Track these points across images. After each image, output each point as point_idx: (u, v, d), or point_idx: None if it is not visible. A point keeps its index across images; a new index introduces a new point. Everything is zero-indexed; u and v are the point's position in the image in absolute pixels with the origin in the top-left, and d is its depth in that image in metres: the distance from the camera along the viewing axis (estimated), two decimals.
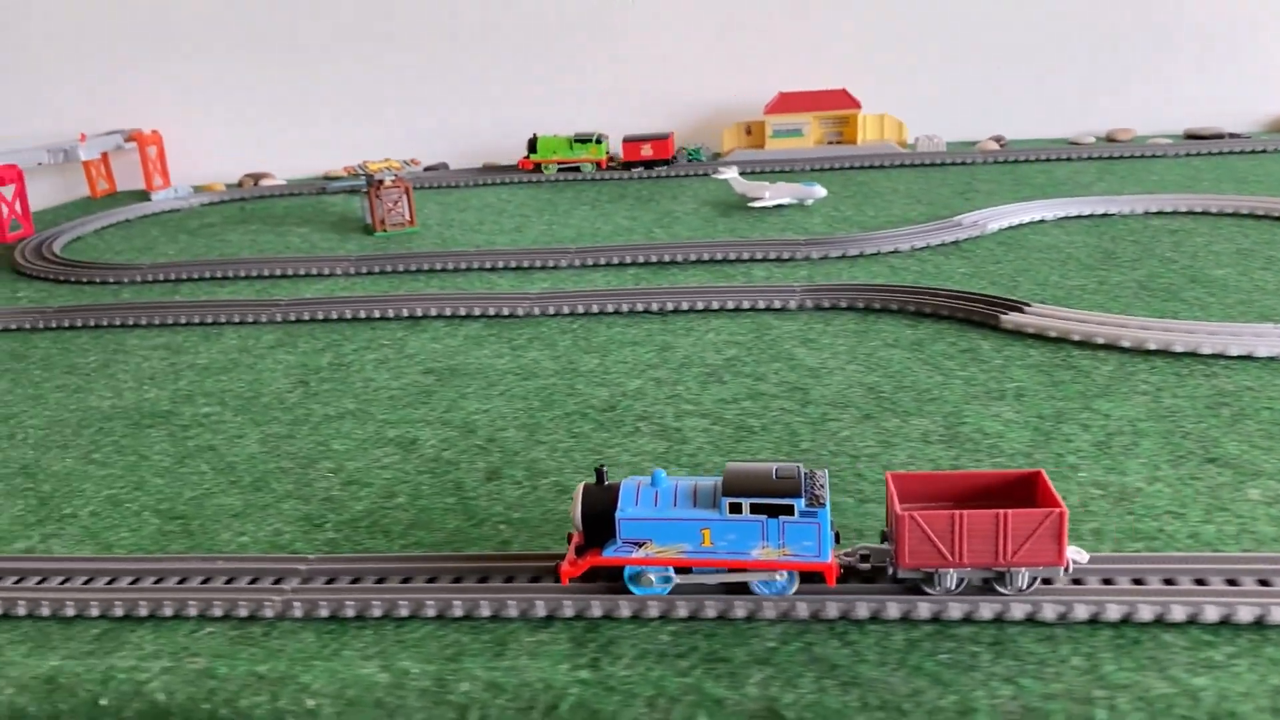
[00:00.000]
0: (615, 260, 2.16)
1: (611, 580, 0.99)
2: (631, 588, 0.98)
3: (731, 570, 0.96)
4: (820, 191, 2.52)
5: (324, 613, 1.00)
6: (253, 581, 1.06)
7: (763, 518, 0.93)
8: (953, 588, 0.94)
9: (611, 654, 0.91)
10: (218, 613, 1.01)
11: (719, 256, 2.13)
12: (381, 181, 2.55)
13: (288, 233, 2.69)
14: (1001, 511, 0.90)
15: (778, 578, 0.96)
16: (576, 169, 3.09)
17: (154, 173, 3.52)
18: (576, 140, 3.12)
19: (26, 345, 1.93)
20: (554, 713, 0.85)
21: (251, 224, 2.83)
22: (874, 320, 1.72)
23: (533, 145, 3.16)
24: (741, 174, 2.68)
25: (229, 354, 1.79)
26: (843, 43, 3.24)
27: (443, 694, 0.88)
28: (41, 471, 1.38)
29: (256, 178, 3.43)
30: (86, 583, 1.08)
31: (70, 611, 1.03)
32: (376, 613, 0.99)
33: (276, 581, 1.05)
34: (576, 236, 2.42)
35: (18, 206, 2.90)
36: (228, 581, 1.06)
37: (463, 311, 1.89)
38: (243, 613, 1.01)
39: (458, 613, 0.98)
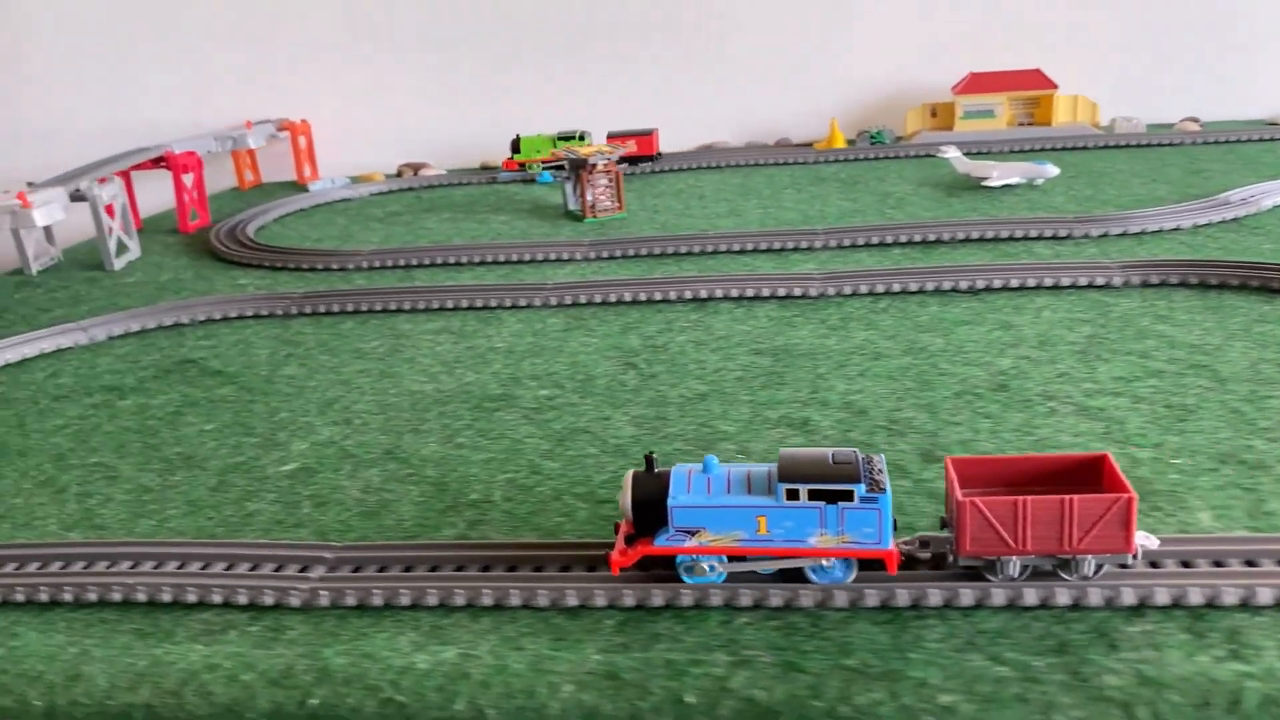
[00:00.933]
0: (875, 240, 2.07)
1: (665, 568, 0.95)
2: (684, 577, 0.94)
3: (788, 558, 0.92)
4: (1052, 170, 2.42)
5: (873, 603, 0.91)
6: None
7: (821, 504, 0.90)
8: (1015, 575, 0.90)
9: (1248, 645, 0.82)
10: (745, 602, 0.93)
11: (989, 235, 2.03)
12: (593, 166, 2.47)
13: (487, 220, 2.60)
14: (1067, 497, 0.86)
15: (832, 565, 0.92)
16: (561, 167, 2.71)
17: (304, 163, 3.46)
18: (560, 138, 2.98)
19: (289, 331, 1.85)
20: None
21: (441, 212, 2.75)
22: (1218, 297, 1.62)
23: (516, 145, 3.05)
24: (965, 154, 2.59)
25: (523, 337, 1.71)
26: (1028, 22, 3.14)
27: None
28: (413, 457, 1.29)
29: (415, 168, 3.35)
30: (564, 569, 1.00)
31: (573, 601, 0.95)
32: (935, 602, 0.90)
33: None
34: (803, 219, 2.32)
35: (196, 195, 2.84)
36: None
37: (750, 293, 1.80)
38: (775, 602, 0.92)
39: (1032, 601, 0.89)
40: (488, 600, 0.96)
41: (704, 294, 1.82)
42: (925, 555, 0.94)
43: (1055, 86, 2.95)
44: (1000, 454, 1.17)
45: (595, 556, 1.00)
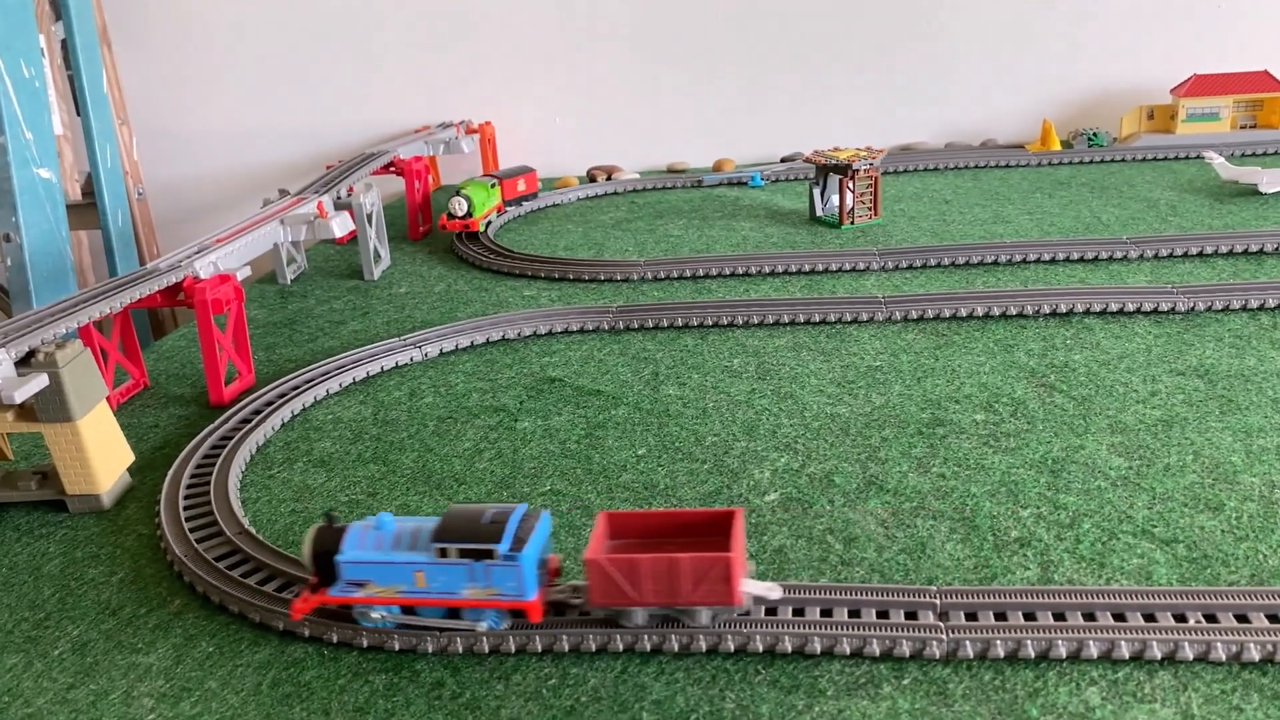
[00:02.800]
0: (1194, 250, 2.01)
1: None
2: (361, 621, 1.05)
3: (444, 607, 1.03)
4: None
5: None
6: None
7: (469, 561, 1.00)
8: (642, 622, 1.01)
9: None
10: None
11: (1266, 247, 1.98)
12: (856, 171, 2.42)
13: (730, 227, 2.54)
14: (675, 556, 0.96)
15: (484, 613, 1.03)
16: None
17: (490, 166, 3.41)
18: (490, 179, 2.71)
19: (631, 346, 1.79)
20: None
21: (672, 218, 2.69)
22: None
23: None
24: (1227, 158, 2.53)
25: (897, 355, 1.65)
26: (1249, 22, 3.07)
27: None
28: (899, 485, 1.25)
29: (608, 171, 3.30)
30: (1148, 619, 0.96)
31: (1255, 655, 0.91)
32: None
33: None
34: (1085, 227, 2.26)
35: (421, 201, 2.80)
36: None
37: (1114, 307, 1.75)
38: None
39: None
40: (1156, 652, 0.92)
41: (1064, 308, 1.77)
42: (577, 602, 1.04)
43: None
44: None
45: (1235, 605, 0.96)
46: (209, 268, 1.78)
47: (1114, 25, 3.13)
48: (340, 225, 2.06)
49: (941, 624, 0.97)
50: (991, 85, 3.23)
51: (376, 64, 3.43)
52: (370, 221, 2.36)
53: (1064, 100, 3.22)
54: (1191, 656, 0.91)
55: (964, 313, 1.80)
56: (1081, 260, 2.05)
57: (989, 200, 2.57)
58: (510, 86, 3.44)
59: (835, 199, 2.52)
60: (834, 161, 2.43)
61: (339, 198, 2.32)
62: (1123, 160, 2.88)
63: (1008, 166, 2.92)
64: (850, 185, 2.43)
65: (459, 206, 2.51)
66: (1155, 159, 2.85)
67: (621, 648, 1.00)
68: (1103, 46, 3.15)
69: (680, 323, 1.88)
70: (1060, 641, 0.93)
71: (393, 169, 2.71)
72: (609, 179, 3.24)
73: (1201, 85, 2.93)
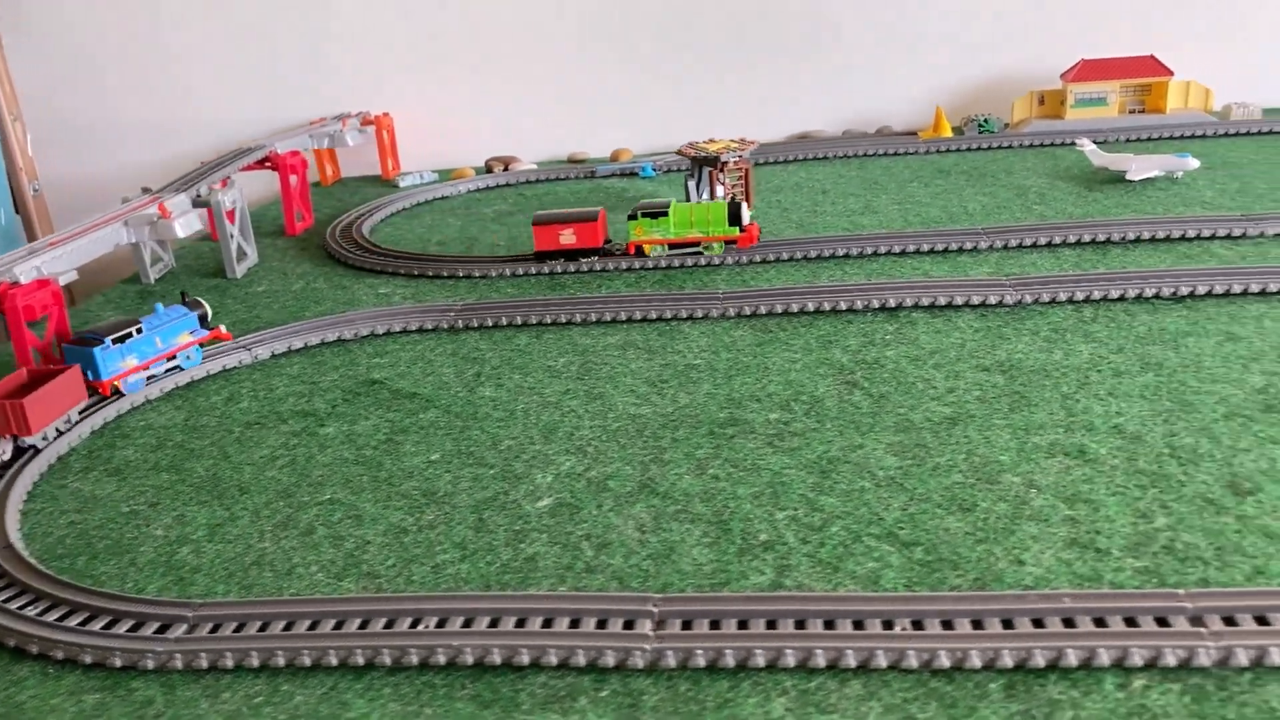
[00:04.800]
0: (1042, 241, 2.02)
1: None
2: None
3: None
4: (1193, 163, 2.36)
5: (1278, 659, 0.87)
6: (1130, 623, 0.93)
7: None
8: None
9: None
10: (1137, 661, 0.88)
11: (1160, 235, 1.98)
12: (725, 163, 2.41)
13: (612, 220, 2.53)
14: None
15: None
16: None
17: (387, 157, 3.38)
18: None
19: (464, 346, 1.79)
20: None
21: (554, 210, 2.68)
22: None
23: None
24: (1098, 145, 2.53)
25: (717, 353, 1.65)
26: (1135, 7, 3.07)
27: None
28: (673, 490, 1.24)
29: (505, 162, 3.28)
30: (916, 626, 0.95)
31: (945, 663, 0.91)
32: None
33: (1161, 622, 0.92)
34: (950, 217, 2.26)
35: (299, 196, 2.77)
36: (1098, 623, 0.93)
37: (942, 300, 1.76)
38: (1170, 661, 0.88)
39: None
40: (851, 660, 0.92)
41: (892, 303, 1.77)
42: None
43: (1170, 73, 2.88)
44: None
45: (945, 611, 0.96)
46: (31, 272, 1.75)
47: (1008, 10, 3.13)
48: (184, 225, 2.03)
49: (650, 634, 0.97)
50: (888, 73, 3.22)
51: (279, 55, 3.39)
52: (233, 219, 2.34)
53: (959, 86, 3.21)
54: (885, 665, 0.92)
55: (795, 308, 1.79)
56: (932, 252, 2.05)
57: (865, 190, 2.56)
58: (411, 77, 3.40)
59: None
60: (704, 154, 2.43)
61: (198, 195, 2.29)
62: (1009, 146, 2.88)
63: (895, 154, 2.92)
64: (720, 177, 2.43)
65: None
66: (1041, 145, 2.85)
67: (335, 662, 0.99)
68: (997, 32, 3.14)
69: (519, 321, 1.87)
70: (759, 650, 0.93)
71: (268, 164, 2.68)
72: (506, 170, 3.23)
73: (1089, 70, 2.94)
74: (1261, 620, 0.91)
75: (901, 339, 1.64)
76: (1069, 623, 0.93)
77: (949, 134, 3.01)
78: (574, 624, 1.00)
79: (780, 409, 1.44)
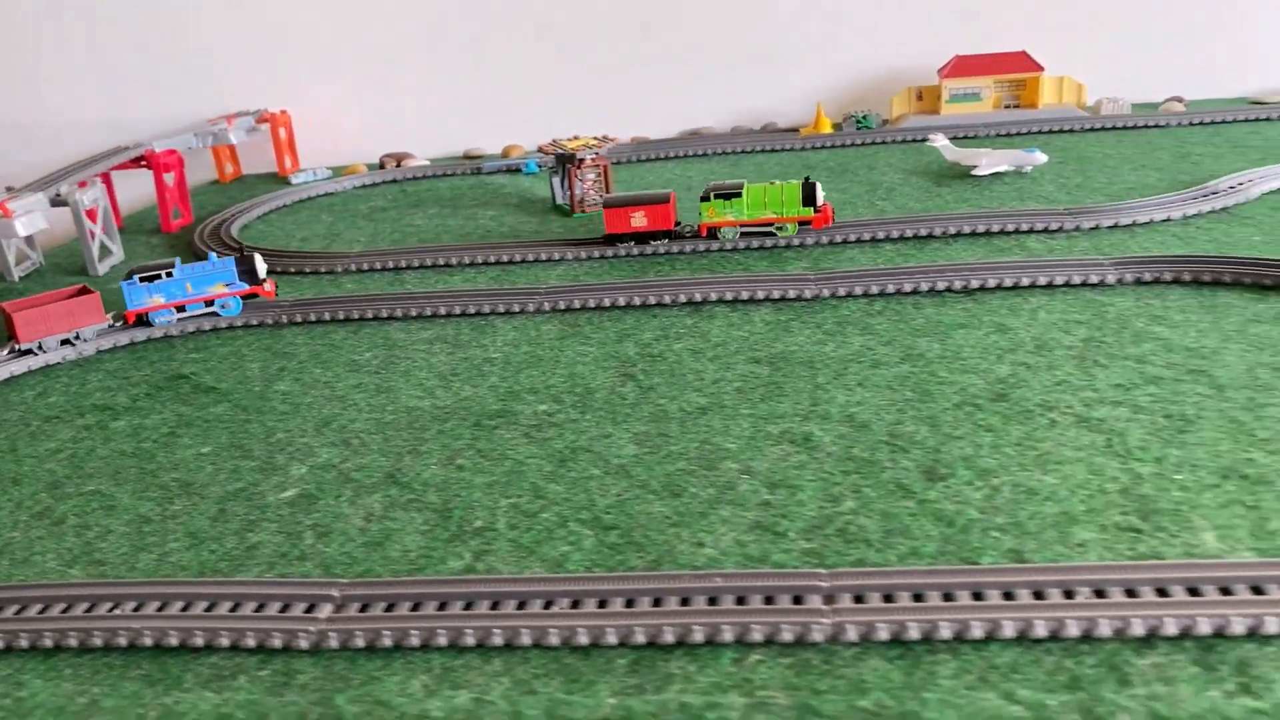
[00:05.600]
0: (866, 236, 2.06)
1: None
2: None
3: None
4: (1041, 158, 2.41)
5: (883, 635, 0.91)
6: (768, 601, 0.97)
7: None
8: None
9: (1258, 678, 0.83)
10: (757, 637, 0.93)
11: (980, 229, 2.03)
12: (581, 161, 2.44)
13: (474, 215, 2.58)
14: None
15: None
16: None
17: (284, 154, 3.42)
18: None
19: (280, 342, 1.83)
20: None
21: (427, 207, 2.73)
22: (1211, 294, 1.63)
23: None
24: (952, 140, 2.58)
25: (519, 346, 1.70)
26: (1013, 3, 3.12)
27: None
28: (415, 481, 1.29)
29: (398, 158, 3.31)
30: (575, 605, 1.00)
31: (584, 640, 0.95)
32: (945, 634, 0.90)
33: (797, 600, 0.97)
34: None
35: (177, 194, 2.80)
36: (739, 601, 0.98)
37: (744, 295, 1.80)
38: (787, 637, 0.93)
39: (1041, 633, 0.89)
40: (498, 640, 0.96)
41: (699, 297, 1.81)
42: None
43: (1041, 69, 2.93)
44: (1002, 470, 1.17)
45: (607, 591, 1.01)
46: None
47: (891, 6, 3.17)
48: (26, 224, 2.07)
49: (322, 617, 1.01)
50: (776, 70, 3.27)
51: (183, 52, 3.42)
52: (95, 218, 2.37)
53: (845, 83, 3.26)
54: (529, 643, 0.96)
55: (607, 303, 1.84)
56: (760, 249, 2.10)
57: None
58: (312, 75, 3.44)
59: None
60: (563, 151, 2.46)
61: (57, 195, 2.32)
62: (882, 142, 2.93)
63: (772, 151, 2.96)
64: (578, 175, 2.47)
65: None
66: (913, 140, 2.90)
67: (77, 644, 1.02)
68: (879, 29, 3.19)
69: (342, 316, 1.91)
70: (414, 631, 0.97)
71: (143, 163, 2.71)
72: (398, 166, 3.26)
73: (963, 66, 2.98)
74: (888, 598, 0.96)
75: (694, 333, 1.69)
76: (713, 601, 0.98)
77: (828, 130, 3.06)
78: (259, 608, 1.04)
79: (552, 401, 1.48)
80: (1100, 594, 0.93)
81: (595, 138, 2.52)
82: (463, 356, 1.68)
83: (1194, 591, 0.92)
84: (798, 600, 0.97)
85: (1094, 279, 1.71)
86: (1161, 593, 0.93)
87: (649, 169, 2.93)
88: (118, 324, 1.90)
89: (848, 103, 3.25)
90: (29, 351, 1.81)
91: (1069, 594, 0.94)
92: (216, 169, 3.43)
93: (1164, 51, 3.12)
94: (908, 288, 1.75)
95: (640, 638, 0.94)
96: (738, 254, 2.07)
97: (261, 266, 1.96)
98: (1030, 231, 2.01)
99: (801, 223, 2.08)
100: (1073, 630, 0.89)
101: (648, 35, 3.30)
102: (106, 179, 2.73)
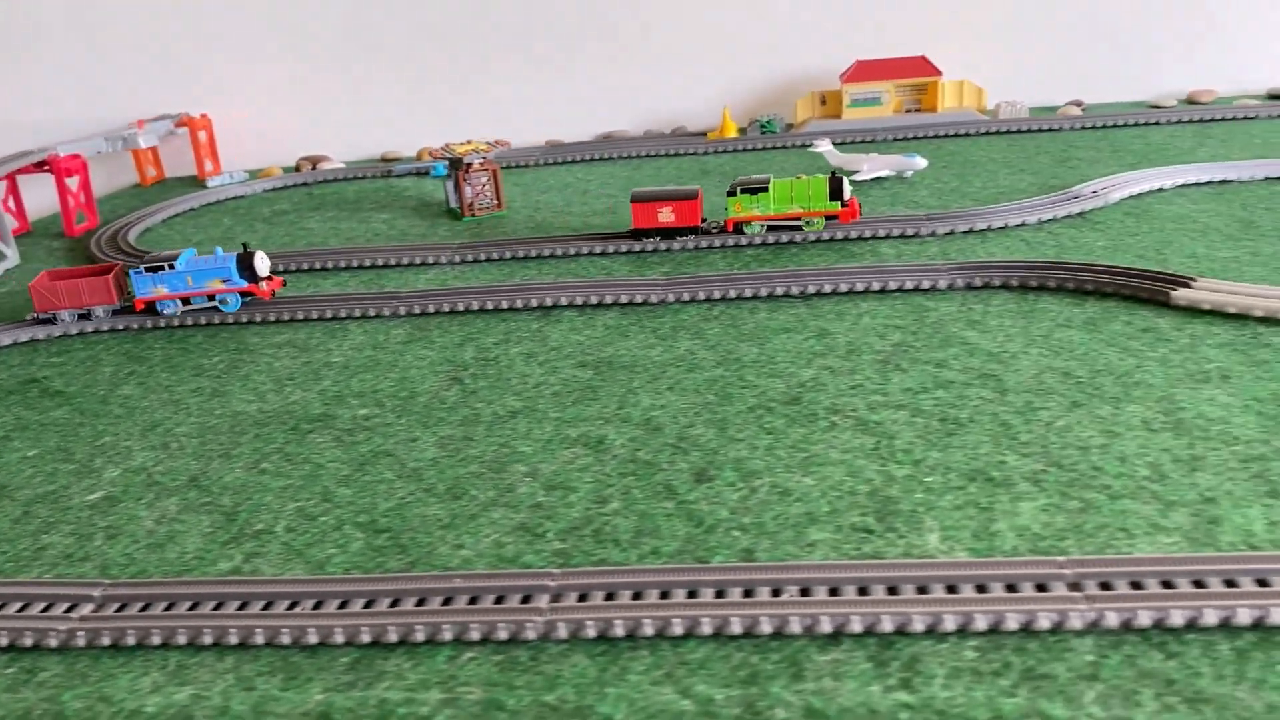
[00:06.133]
0: (730, 243, 2.11)
1: None
2: None
3: None
4: (921, 163, 2.46)
5: (591, 632, 0.95)
6: (498, 600, 1.01)
7: None
8: None
9: (921, 673, 0.87)
10: (475, 636, 0.97)
11: (839, 236, 2.07)
12: (470, 165, 2.48)
13: (369, 219, 2.62)
14: None
15: None
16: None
17: (205, 158, 3.44)
18: None
19: (140, 346, 1.87)
20: None
21: (327, 210, 2.76)
22: (1034, 299, 1.67)
23: None
24: (835, 145, 2.62)
25: (363, 350, 1.73)
26: (917, 8, 3.16)
27: None
28: (215, 484, 1.32)
29: (314, 161, 3.34)
30: (317, 606, 1.04)
31: (314, 639, 0.99)
32: (648, 631, 0.94)
33: (525, 600, 1.01)
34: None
35: (82, 198, 2.83)
36: (471, 601, 1.02)
37: (594, 300, 1.84)
38: (503, 635, 0.96)
39: (736, 630, 0.93)
40: (234, 639, 1.00)
41: (549, 301, 1.85)
42: None
43: (939, 73, 2.98)
44: (767, 471, 1.21)
45: (350, 592, 1.04)
46: None
47: (798, 12, 3.21)
48: None
49: (75, 616, 1.05)
50: (689, 75, 3.31)
51: (106, 56, 3.45)
52: None
53: (755, 87, 3.30)
54: (262, 642, 0.99)
55: (460, 307, 1.87)
56: (629, 253, 2.13)
57: (621, 190, 2.64)
58: (235, 77, 3.47)
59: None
60: (451, 155, 2.50)
61: None
62: (782, 147, 2.97)
63: (676, 155, 3.00)
64: (466, 179, 2.50)
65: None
66: (802, 145, 2.94)
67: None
68: (787, 33, 3.23)
69: (204, 321, 1.94)
70: (155, 631, 1.01)
71: (45, 167, 2.74)
72: (314, 169, 3.29)
73: (863, 71, 3.03)
74: (610, 597, 1.00)
75: (536, 337, 1.72)
76: (448, 601, 1.02)
77: (734, 134, 3.10)
78: (23, 608, 1.08)
79: (374, 405, 1.52)
80: (805, 592, 0.97)
81: (486, 142, 2.56)
82: (305, 361, 1.71)
83: (893, 590, 0.97)
84: (526, 599, 1.01)
85: (926, 284, 1.75)
86: (863, 591, 0.97)
87: (551, 173, 2.96)
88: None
89: (758, 107, 3.29)
90: (47, 320, 1.95)
91: (776, 592, 0.98)
92: (138, 172, 3.46)
93: (1066, 56, 3.17)
94: (748, 293, 1.79)
95: (366, 636, 0.98)
96: (605, 257, 2.11)
97: (263, 265, 1.97)
98: (887, 237, 2.05)
99: (828, 217, 2.09)
100: (765, 627, 0.93)
101: (565, 40, 3.34)
102: (12, 182, 2.76)
